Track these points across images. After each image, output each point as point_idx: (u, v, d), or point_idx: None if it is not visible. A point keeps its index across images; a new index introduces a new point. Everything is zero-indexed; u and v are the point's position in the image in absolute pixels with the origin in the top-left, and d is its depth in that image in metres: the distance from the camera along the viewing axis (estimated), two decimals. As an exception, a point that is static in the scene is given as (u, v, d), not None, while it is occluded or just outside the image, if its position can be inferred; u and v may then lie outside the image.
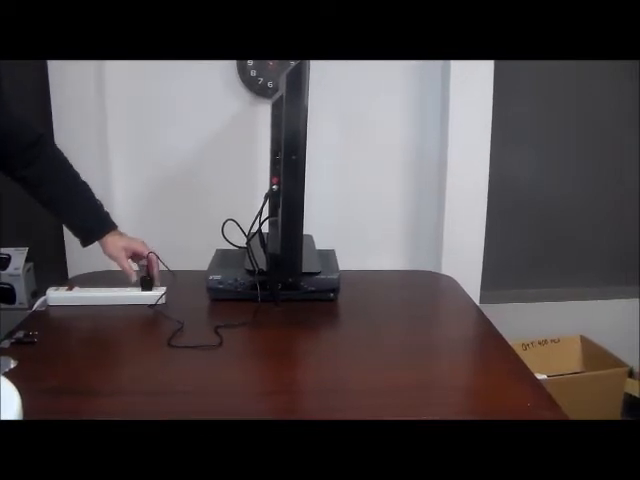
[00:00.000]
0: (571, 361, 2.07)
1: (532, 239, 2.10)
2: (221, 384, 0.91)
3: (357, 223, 1.93)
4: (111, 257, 1.23)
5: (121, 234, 1.26)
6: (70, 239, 1.77)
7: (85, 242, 1.23)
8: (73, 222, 1.23)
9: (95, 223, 1.23)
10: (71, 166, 1.22)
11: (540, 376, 1.82)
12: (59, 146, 1.23)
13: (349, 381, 0.92)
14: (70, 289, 1.24)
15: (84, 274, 1.48)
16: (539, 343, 2.06)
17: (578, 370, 2.05)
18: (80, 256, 1.75)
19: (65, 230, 1.76)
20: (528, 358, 1.03)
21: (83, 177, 1.24)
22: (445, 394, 0.90)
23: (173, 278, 1.24)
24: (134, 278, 1.23)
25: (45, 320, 1.16)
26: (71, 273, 1.72)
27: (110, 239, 1.22)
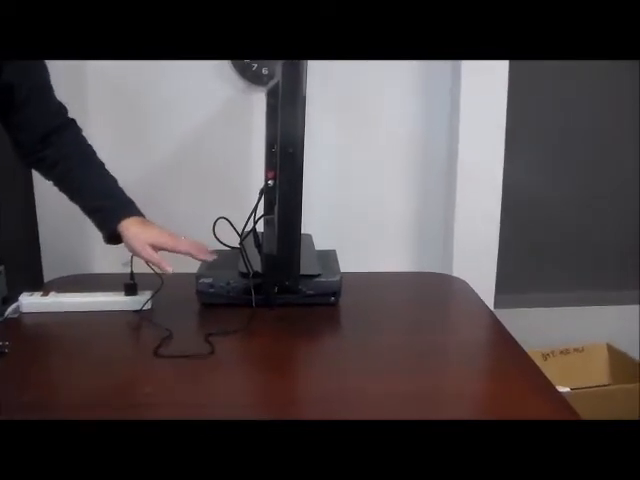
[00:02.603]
0: (597, 372, 2.07)
1: (553, 237, 2.11)
2: (212, 396, 0.92)
3: (360, 221, 1.95)
4: (133, 252, 1.19)
5: (146, 224, 1.21)
6: (46, 239, 1.80)
7: (102, 229, 1.20)
8: (87, 204, 1.20)
9: (111, 206, 1.19)
10: (94, 153, 1.24)
11: (562, 389, 1.83)
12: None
13: (351, 392, 0.93)
14: (46, 294, 1.25)
15: (61, 277, 1.50)
16: (561, 352, 2.06)
17: (605, 382, 2.06)
18: (57, 258, 1.78)
19: (40, 229, 1.79)
20: (549, 369, 1.04)
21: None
22: (456, 408, 0.91)
23: (160, 281, 1.26)
24: (169, 268, 1.18)
25: (18, 329, 1.17)
26: (47, 277, 1.73)
27: (132, 230, 1.18)
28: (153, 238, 1.18)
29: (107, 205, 1.20)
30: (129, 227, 1.18)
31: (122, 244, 1.21)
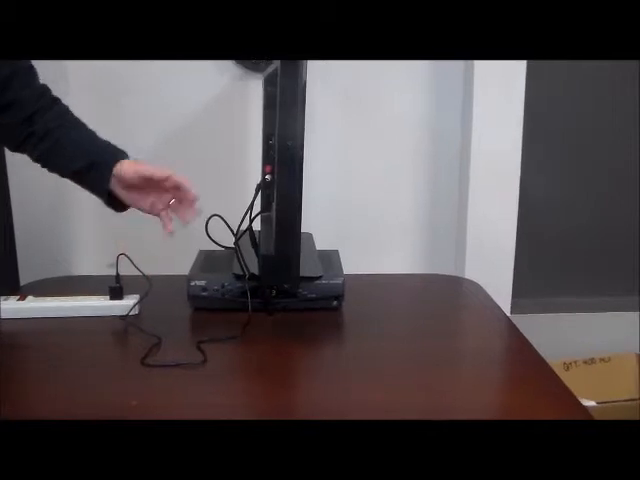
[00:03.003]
0: (625, 385, 2.06)
1: (576, 238, 2.12)
2: (205, 409, 0.93)
3: (364, 219, 1.96)
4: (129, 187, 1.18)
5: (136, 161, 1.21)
6: (22, 237, 1.81)
7: (98, 186, 1.19)
8: (79, 167, 1.19)
9: (103, 159, 1.19)
10: (84, 124, 1.26)
11: (587, 403, 1.83)
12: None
13: (356, 405, 0.94)
14: (22, 299, 1.27)
15: (40, 280, 1.51)
16: (585, 362, 2.07)
17: (634, 396, 2.04)
18: (35, 259, 1.80)
19: (16, 227, 1.80)
20: (571, 380, 1.03)
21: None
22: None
23: (148, 284, 1.27)
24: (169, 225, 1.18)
25: (-8, 336, 1.18)
26: (23, 280, 1.74)
27: (126, 165, 1.18)
28: (143, 170, 1.17)
29: (98, 159, 1.19)
30: (123, 163, 1.18)
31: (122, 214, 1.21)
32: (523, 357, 1.13)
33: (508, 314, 1.42)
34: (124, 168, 1.17)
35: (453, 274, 1.81)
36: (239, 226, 1.25)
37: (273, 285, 1.25)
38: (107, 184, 1.18)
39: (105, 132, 1.79)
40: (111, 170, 1.17)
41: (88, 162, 1.19)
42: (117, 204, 1.21)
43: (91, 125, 1.78)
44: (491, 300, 1.42)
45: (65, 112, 1.26)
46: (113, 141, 1.72)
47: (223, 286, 1.27)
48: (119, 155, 1.20)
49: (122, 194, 1.19)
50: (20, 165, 1.25)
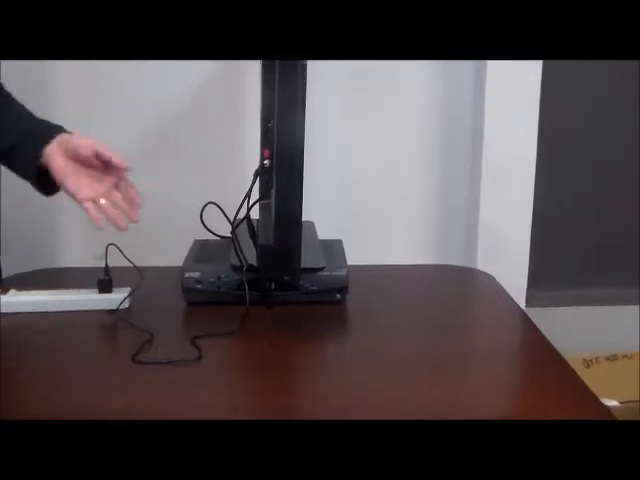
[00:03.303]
0: (651, 383, 2.08)
1: (596, 224, 2.12)
2: (200, 407, 0.94)
3: (369, 207, 1.96)
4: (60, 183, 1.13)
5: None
6: (3, 227, 1.81)
7: (28, 167, 1.14)
8: (6, 148, 1.15)
9: (33, 133, 1.14)
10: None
11: (609, 402, 1.82)
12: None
13: (359, 404, 0.95)
14: (4, 292, 1.27)
15: (23, 273, 1.52)
16: (606, 359, 2.06)
17: (661, 395, 2.07)
18: (17, 251, 1.80)
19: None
20: (592, 378, 1.03)
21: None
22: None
23: (139, 276, 1.28)
24: (98, 220, 1.13)
25: (-28, 332, 1.18)
26: (6, 272, 1.75)
27: (53, 153, 1.11)
28: (69, 151, 1.11)
29: (32, 133, 1.15)
30: (55, 141, 1.13)
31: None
32: (539, 353, 1.14)
33: (523, 307, 1.42)
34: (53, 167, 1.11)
35: (465, 265, 1.81)
36: (236, 214, 1.26)
37: (272, 277, 1.26)
38: (37, 160, 1.12)
39: (98, 118, 1.81)
40: (43, 145, 1.12)
41: (20, 138, 1.15)
42: (47, 187, 1.16)
43: (83, 112, 1.80)
44: (505, 292, 1.43)
45: (6, 95, 1.23)
46: (107, 125, 1.73)
47: (219, 278, 1.28)
48: (56, 129, 1.15)
49: (60, 171, 1.12)
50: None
